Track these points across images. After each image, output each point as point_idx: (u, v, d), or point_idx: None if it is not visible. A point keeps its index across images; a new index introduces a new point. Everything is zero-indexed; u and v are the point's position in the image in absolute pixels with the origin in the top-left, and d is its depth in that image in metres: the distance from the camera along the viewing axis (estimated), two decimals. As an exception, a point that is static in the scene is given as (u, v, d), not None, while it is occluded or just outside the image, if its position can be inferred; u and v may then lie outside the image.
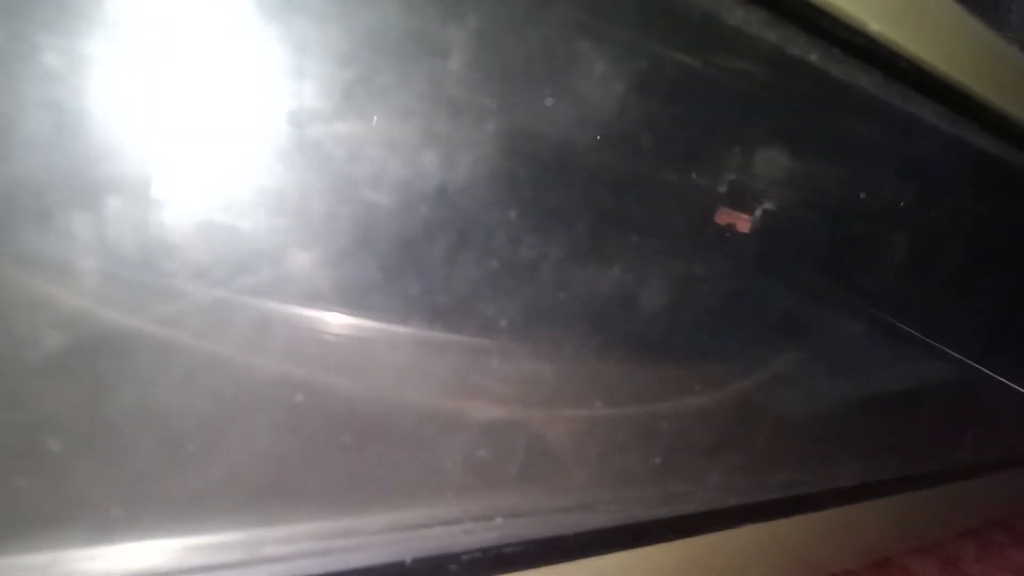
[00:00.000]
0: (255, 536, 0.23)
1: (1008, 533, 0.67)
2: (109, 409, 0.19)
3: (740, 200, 0.27)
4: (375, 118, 0.20)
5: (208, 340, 0.20)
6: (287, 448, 0.23)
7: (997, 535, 0.66)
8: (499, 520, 0.26)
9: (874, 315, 0.43)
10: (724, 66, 0.26)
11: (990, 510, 0.63)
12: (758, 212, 0.25)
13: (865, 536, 0.50)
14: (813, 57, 0.23)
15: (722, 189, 0.26)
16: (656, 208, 0.25)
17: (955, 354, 0.53)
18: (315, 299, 0.21)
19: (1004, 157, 0.33)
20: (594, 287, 0.26)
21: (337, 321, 0.22)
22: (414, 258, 0.22)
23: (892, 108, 0.27)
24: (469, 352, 0.26)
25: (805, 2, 0.23)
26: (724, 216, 0.28)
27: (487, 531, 0.26)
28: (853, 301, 0.42)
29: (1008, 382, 0.60)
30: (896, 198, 0.31)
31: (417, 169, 0.21)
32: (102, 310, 0.18)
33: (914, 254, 0.39)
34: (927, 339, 0.51)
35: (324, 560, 0.23)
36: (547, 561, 0.28)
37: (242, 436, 0.21)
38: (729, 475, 0.32)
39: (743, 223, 0.28)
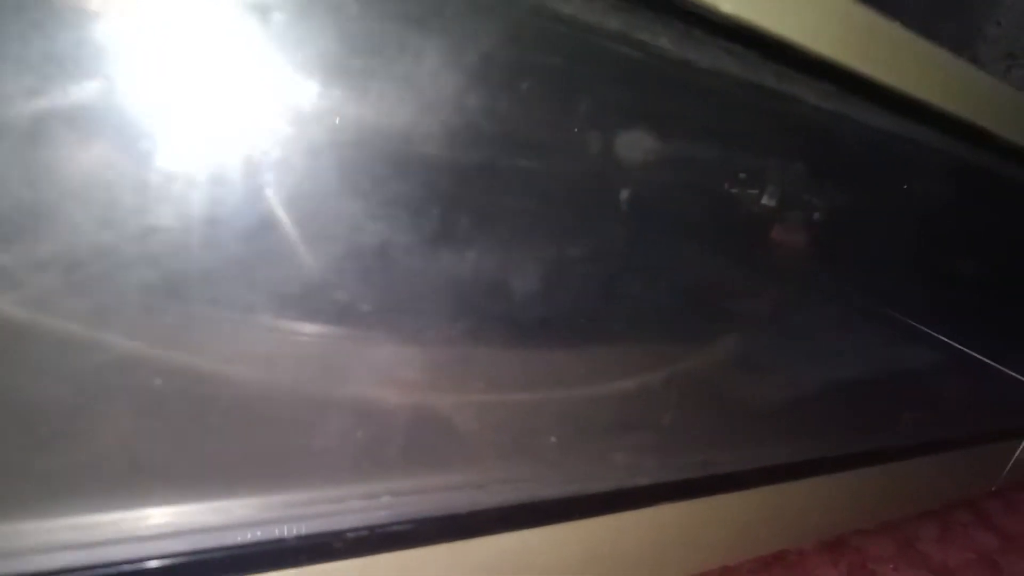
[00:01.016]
0: (136, 515, 0.24)
1: (973, 513, 0.67)
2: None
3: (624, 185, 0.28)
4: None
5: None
6: (165, 432, 0.24)
7: (961, 515, 0.66)
8: (386, 499, 0.27)
9: (803, 286, 0.44)
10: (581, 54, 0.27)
11: (951, 489, 0.63)
12: (629, 194, 0.26)
13: (808, 514, 0.50)
14: (664, 41, 0.24)
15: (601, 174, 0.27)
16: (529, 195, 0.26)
17: (904, 319, 0.54)
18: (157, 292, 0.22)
19: (895, 131, 0.33)
20: (473, 275, 0.27)
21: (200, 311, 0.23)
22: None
23: (765, 89, 0.27)
24: (350, 339, 0.26)
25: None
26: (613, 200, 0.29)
27: (374, 509, 0.27)
28: (759, 275, 0.43)
29: (966, 349, 0.60)
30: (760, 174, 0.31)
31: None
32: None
33: (819, 223, 0.40)
34: (870, 308, 0.51)
35: (204, 536, 0.24)
36: (439, 539, 0.29)
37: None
38: (635, 455, 0.33)
39: (629, 206, 0.28)
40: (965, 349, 0.59)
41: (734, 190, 0.28)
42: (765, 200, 0.29)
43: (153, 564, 0.22)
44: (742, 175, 0.28)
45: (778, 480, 0.43)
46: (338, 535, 0.26)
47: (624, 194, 0.26)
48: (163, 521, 0.22)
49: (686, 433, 0.36)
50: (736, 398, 0.42)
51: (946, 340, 0.58)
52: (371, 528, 0.27)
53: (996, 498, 0.70)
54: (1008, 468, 0.64)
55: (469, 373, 0.27)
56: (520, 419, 0.30)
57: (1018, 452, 0.64)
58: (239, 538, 0.24)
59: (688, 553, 0.40)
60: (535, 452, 0.30)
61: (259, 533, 0.24)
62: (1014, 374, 0.61)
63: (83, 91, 0.18)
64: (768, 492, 0.44)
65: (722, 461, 0.37)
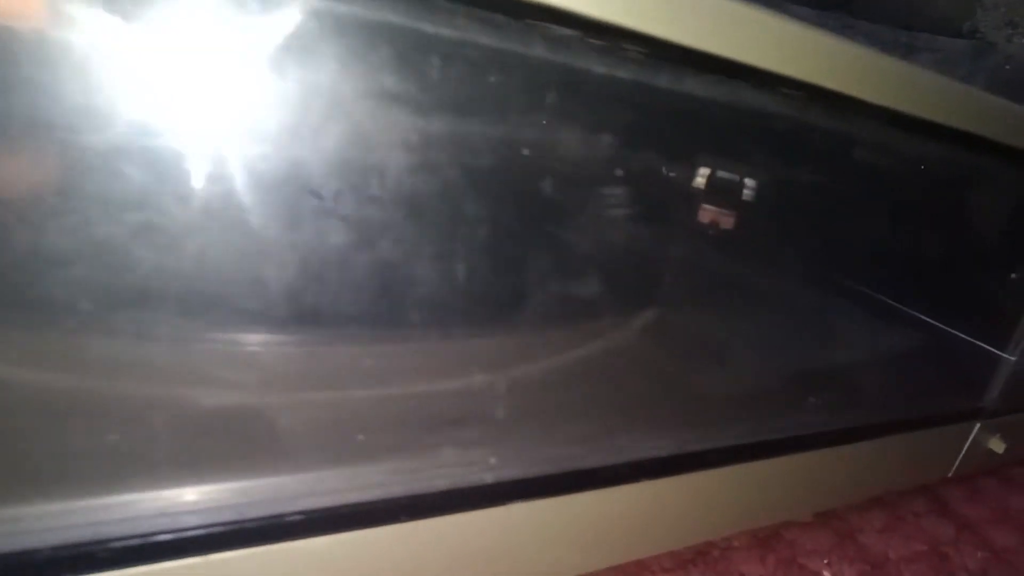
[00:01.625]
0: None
1: (930, 501, 0.63)
2: None
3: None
4: None
5: None
6: None
7: (915, 503, 0.62)
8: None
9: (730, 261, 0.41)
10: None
11: (898, 476, 0.59)
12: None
13: (734, 504, 0.47)
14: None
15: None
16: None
17: (842, 281, 0.50)
18: None
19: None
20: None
21: None
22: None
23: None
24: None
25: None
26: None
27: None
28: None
29: (915, 312, 0.56)
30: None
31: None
32: None
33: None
34: (797, 269, 0.47)
35: None
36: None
37: None
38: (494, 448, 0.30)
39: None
40: (913, 312, 0.55)
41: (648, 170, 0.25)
42: (687, 178, 0.26)
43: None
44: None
45: (697, 468, 0.40)
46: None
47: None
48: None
49: (586, 420, 0.34)
50: (654, 380, 0.39)
51: (892, 303, 0.54)
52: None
53: (958, 485, 0.66)
54: (963, 452, 0.60)
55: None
56: (332, 417, 0.27)
57: (973, 434, 0.59)
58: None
59: (592, 547, 0.38)
60: (356, 452, 0.28)
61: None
62: (965, 336, 0.57)
63: None
64: (688, 480, 0.41)
65: (634, 447, 0.34)
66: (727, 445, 0.44)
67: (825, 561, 0.52)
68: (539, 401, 0.34)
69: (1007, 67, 1.49)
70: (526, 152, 0.25)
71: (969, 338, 0.56)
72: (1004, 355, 0.56)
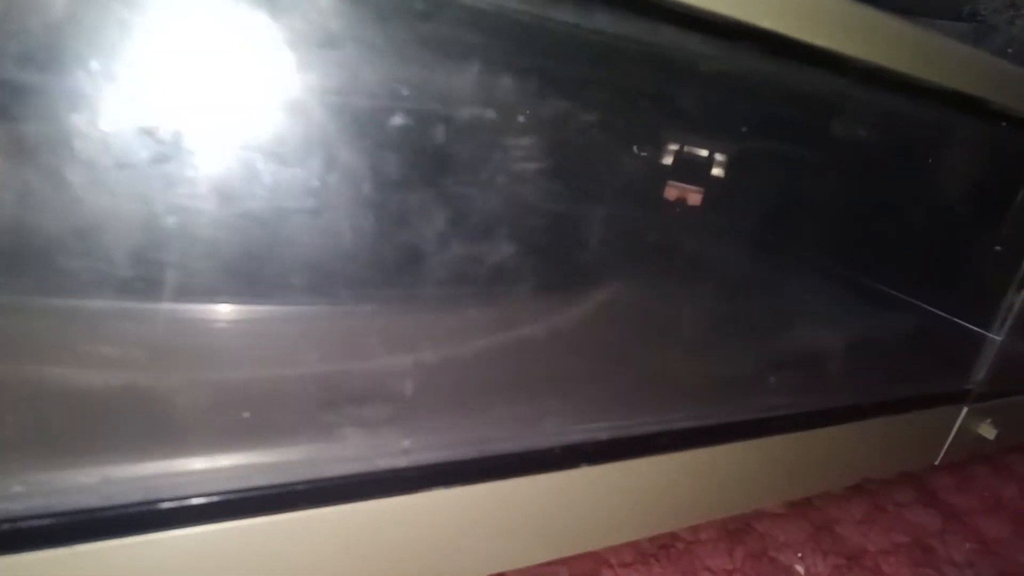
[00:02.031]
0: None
1: (916, 491, 0.60)
2: None
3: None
4: None
5: None
6: None
7: (900, 493, 0.58)
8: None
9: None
10: None
11: (880, 463, 0.56)
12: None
13: (700, 492, 0.44)
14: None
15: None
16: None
17: (819, 259, 0.47)
18: None
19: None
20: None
21: None
22: None
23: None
24: None
25: None
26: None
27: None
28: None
29: (897, 293, 0.53)
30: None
31: None
32: None
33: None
34: (775, 246, 0.45)
35: None
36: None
37: None
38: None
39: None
40: (892, 291, 0.52)
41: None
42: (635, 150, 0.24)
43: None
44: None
45: (652, 452, 0.38)
46: None
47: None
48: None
49: (520, 401, 0.31)
50: (603, 360, 0.36)
51: (872, 284, 0.51)
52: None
53: (948, 473, 0.63)
54: (951, 439, 0.57)
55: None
56: (218, 398, 0.25)
57: (960, 419, 0.56)
58: None
59: (534, 537, 0.35)
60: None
61: None
62: (947, 315, 0.53)
63: None
64: (643, 465, 0.38)
65: (572, 430, 0.32)
66: (686, 427, 0.41)
67: (799, 554, 0.49)
68: (466, 381, 0.32)
69: (1009, 50, 1.45)
70: (420, 103, 0.23)
71: (951, 317, 0.53)
72: (989, 335, 0.53)
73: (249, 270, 0.24)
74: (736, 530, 0.50)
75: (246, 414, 0.25)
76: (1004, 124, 0.42)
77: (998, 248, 0.50)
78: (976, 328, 0.53)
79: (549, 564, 0.42)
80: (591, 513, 0.38)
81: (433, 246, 0.28)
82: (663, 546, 0.47)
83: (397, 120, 0.25)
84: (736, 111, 0.35)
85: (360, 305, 0.30)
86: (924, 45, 0.34)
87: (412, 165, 0.27)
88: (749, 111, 0.36)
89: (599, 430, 0.36)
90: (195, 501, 0.25)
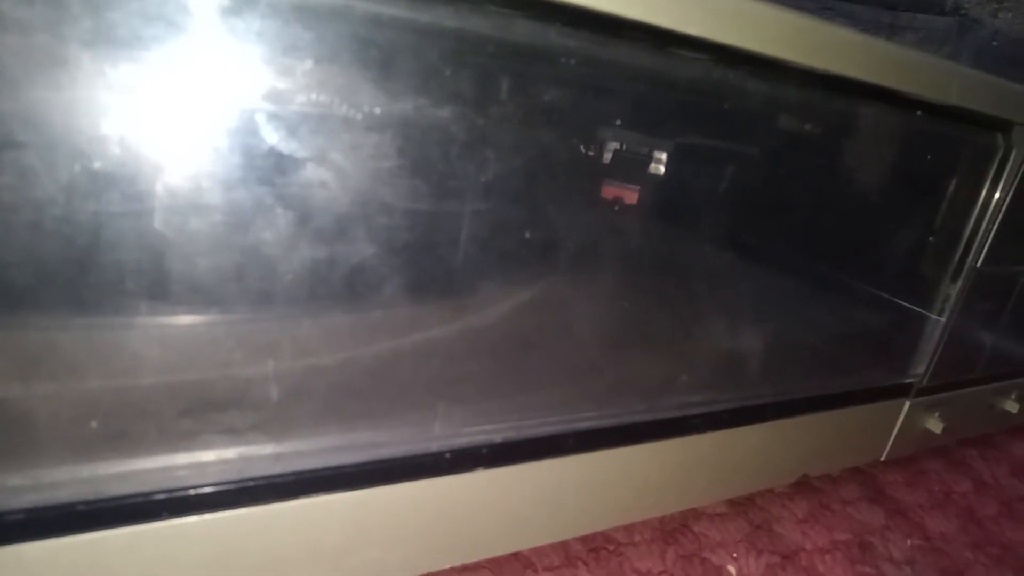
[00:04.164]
0: None
1: (862, 487, 0.59)
2: None
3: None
4: None
5: None
6: None
7: (846, 490, 0.58)
8: None
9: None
10: None
11: (821, 459, 0.55)
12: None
13: (628, 492, 0.43)
14: None
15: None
16: None
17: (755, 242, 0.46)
18: None
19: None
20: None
21: None
22: None
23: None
24: None
25: None
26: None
27: None
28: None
29: (843, 275, 0.52)
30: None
31: None
32: None
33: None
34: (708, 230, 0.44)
35: None
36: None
37: None
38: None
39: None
40: (842, 276, 0.50)
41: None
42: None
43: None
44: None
45: (570, 452, 0.37)
46: None
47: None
48: None
49: (404, 404, 0.30)
50: (514, 358, 0.35)
51: (815, 266, 0.50)
52: None
53: (899, 469, 0.62)
54: (895, 434, 0.56)
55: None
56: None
57: (903, 414, 0.55)
58: None
59: (438, 541, 0.34)
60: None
61: None
62: (886, 295, 0.52)
63: None
64: (554, 466, 0.37)
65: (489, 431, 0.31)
66: (597, 426, 0.40)
67: (734, 555, 0.48)
68: (341, 387, 0.31)
69: (994, 43, 1.44)
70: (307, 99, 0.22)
71: (892, 308, 0.52)
72: (927, 328, 0.52)
73: (78, 276, 0.23)
74: (672, 531, 0.49)
75: (94, 423, 0.25)
76: (919, 113, 0.41)
77: (931, 239, 0.49)
78: (916, 321, 0.52)
79: (470, 569, 0.41)
80: (502, 517, 0.38)
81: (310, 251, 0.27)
82: (593, 549, 0.46)
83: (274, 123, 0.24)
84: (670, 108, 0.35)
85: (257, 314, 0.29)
86: (814, 33, 0.33)
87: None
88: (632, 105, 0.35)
89: (495, 431, 0.35)
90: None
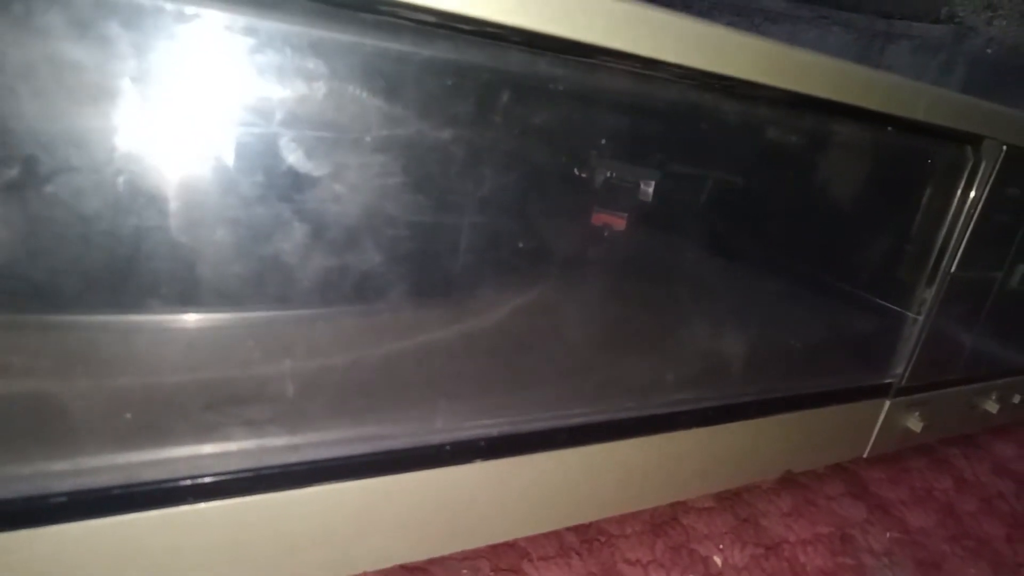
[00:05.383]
0: None
1: (846, 484, 0.61)
2: None
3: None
4: None
5: None
6: None
7: (830, 486, 0.60)
8: None
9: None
10: None
11: (804, 456, 0.58)
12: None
13: (620, 485, 0.46)
14: None
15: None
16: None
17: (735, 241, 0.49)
18: None
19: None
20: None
21: None
22: None
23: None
24: None
25: None
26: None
27: None
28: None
29: (824, 275, 0.55)
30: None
31: None
32: None
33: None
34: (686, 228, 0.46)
35: None
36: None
37: None
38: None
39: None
40: (823, 280, 0.53)
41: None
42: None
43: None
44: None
45: (561, 446, 0.39)
46: None
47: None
48: None
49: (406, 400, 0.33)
50: (508, 358, 0.38)
51: (794, 266, 0.52)
52: None
53: (883, 467, 0.65)
54: (876, 432, 0.59)
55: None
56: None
57: (884, 413, 0.58)
58: None
59: (437, 528, 0.37)
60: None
61: None
62: (865, 293, 0.55)
63: None
64: (550, 459, 0.40)
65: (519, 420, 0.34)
66: (586, 422, 0.43)
67: (719, 546, 0.50)
68: (351, 384, 0.34)
69: (989, 50, 1.46)
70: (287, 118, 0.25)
71: (868, 299, 0.54)
72: (906, 330, 0.55)
73: (115, 280, 0.26)
74: (661, 523, 0.52)
75: (128, 416, 0.27)
76: (890, 129, 0.44)
77: (907, 246, 0.52)
78: (894, 323, 0.55)
79: (469, 557, 0.44)
80: (499, 507, 0.40)
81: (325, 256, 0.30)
82: (586, 540, 0.49)
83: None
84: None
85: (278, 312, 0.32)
86: (793, 59, 0.36)
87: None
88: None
89: (493, 426, 0.38)
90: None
